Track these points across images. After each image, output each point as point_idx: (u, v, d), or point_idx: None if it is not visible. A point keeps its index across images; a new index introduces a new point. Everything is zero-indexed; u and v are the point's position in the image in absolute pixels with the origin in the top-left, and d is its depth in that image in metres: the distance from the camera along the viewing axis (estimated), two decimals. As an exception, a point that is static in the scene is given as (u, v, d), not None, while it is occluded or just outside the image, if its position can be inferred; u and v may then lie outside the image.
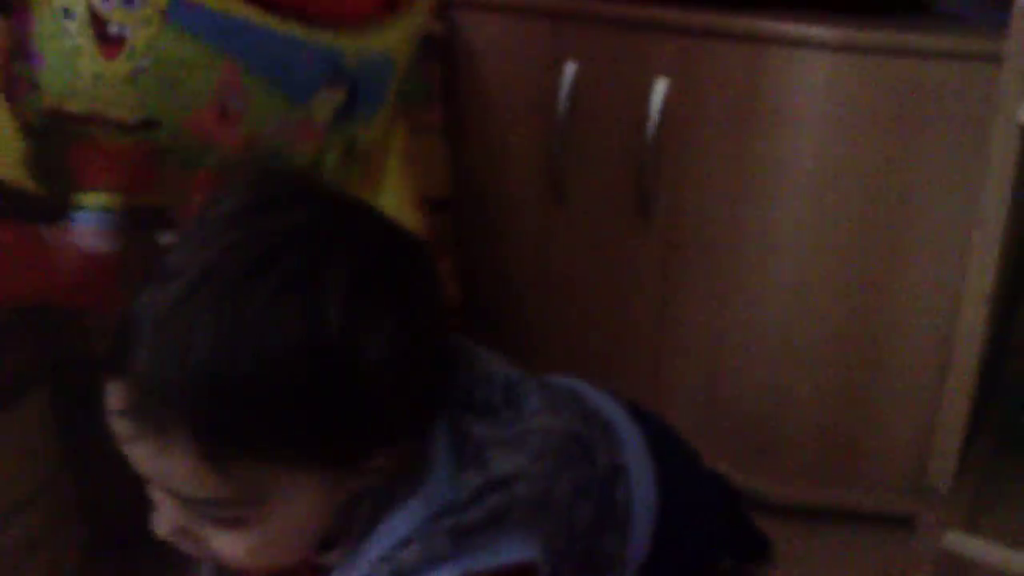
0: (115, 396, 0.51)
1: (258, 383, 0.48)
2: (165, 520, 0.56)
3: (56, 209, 0.76)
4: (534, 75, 1.18)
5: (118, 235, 0.76)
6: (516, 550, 0.58)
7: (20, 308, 0.85)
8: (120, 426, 0.51)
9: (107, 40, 0.72)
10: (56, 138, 0.75)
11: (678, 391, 1.19)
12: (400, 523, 0.57)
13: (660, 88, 1.09)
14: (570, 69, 1.15)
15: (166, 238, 0.76)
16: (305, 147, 0.83)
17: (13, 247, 0.73)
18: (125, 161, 0.76)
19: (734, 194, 1.10)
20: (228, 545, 0.55)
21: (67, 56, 0.73)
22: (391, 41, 0.86)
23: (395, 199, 0.97)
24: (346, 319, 0.50)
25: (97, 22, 0.72)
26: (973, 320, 0.93)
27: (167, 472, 0.51)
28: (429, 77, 1.22)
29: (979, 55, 0.96)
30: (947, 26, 1.08)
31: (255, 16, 0.74)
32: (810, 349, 1.10)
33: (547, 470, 0.60)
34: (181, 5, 0.72)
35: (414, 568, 0.56)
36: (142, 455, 0.52)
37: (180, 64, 0.73)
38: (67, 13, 0.72)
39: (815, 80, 1.02)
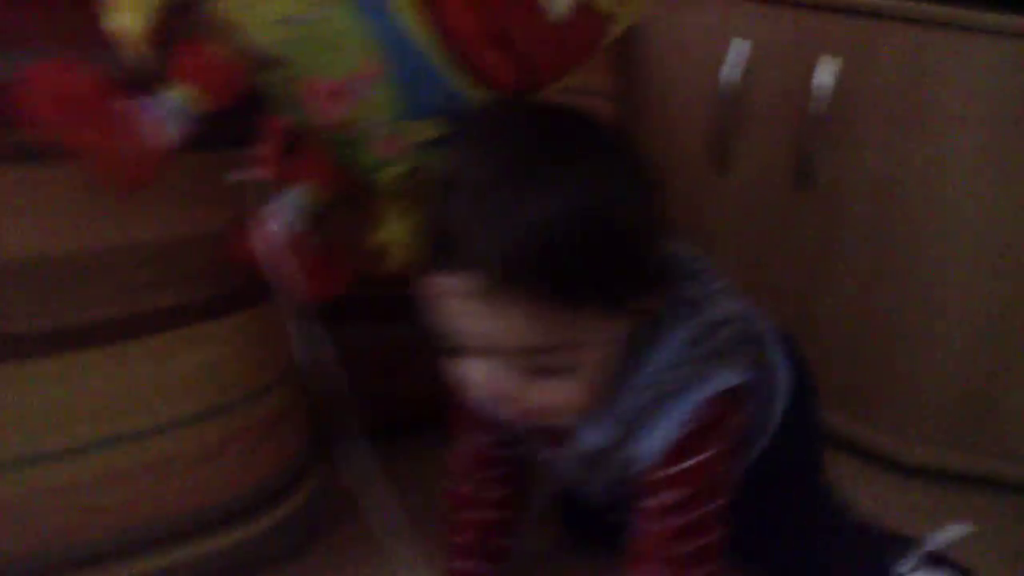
0: (453, 283, 0.64)
1: (578, 241, 0.61)
2: (488, 388, 0.68)
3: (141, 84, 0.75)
4: (704, 51, 1.26)
5: (177, 135, 0.75)
6: (742, 374, 0.74)
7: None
8: (461, 305, 0.64)
9: None
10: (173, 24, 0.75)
11: (826, 352, 1.25)
12: (659, 355, 0.71)
13: (828, 67, 1.16)
14: (741, 46, 1.23)
15: (233, 176, 0.82)
16: (379, 154, 0.81)
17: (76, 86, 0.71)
18: (224, 71, 0.76)
19: (895, 176, 1.16)
20: (553, 392, 0.67)
21: None
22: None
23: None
24: (624, 192, 0.65)
25: None
26: None
27: (512, 331, 0.63)
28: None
29: None
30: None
31: (426, 39, 0.75)
32: (959, 323, 1.17)
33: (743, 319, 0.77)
34: None
35: (674, 391, 0.71)
36: (487, 324, 0.64)
37: (338, 36, 0.74)
38: None
39: (982, 66, 1.09)
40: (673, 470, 0.72)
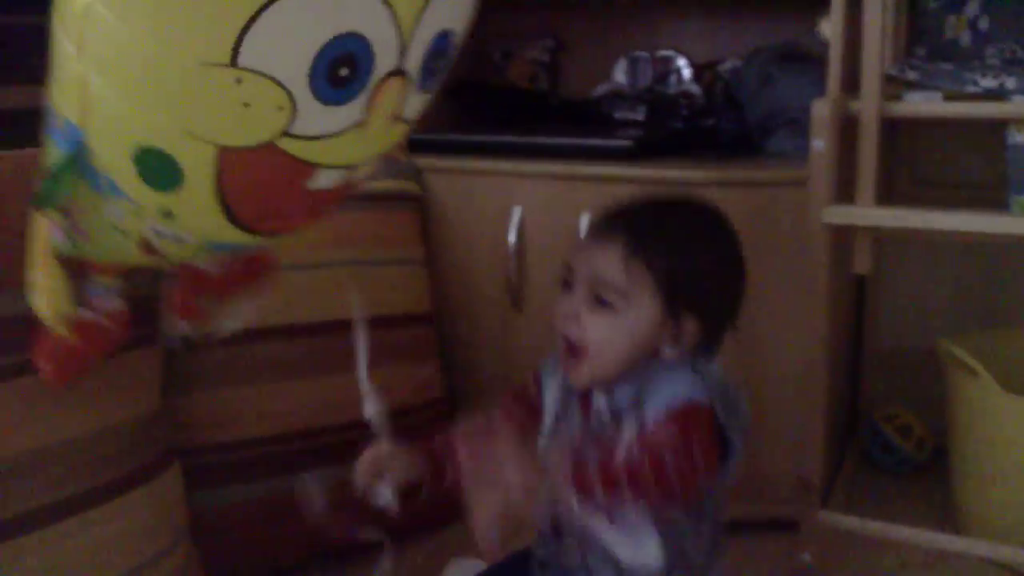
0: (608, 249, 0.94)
1: (674, 251, 0.96)
2: (569, 306, 0.96)
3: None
4: (490, 217, 1.60)
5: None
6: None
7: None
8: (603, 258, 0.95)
9: (148, 249, 0.87)
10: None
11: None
12: (674, 375, 0.95)
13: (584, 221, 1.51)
14: (517, 211, 1.57)
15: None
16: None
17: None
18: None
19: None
20: (595, 324, 0.95)
21: (113, 245, 0.88)
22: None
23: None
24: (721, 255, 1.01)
25: (145, 244, 0.86)
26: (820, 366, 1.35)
27: (603, 266, 0.94)
28: (410, 224, 1.62)
29: (799, 181, 1.40)
30: (776, 161, 1.54)
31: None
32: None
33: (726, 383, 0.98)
34: (216, 244, 0.88)
35: (669, 392, 0.94)
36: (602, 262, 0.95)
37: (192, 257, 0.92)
38: (118, 230, 0.85)
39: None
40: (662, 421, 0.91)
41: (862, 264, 1.33)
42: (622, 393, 0.97)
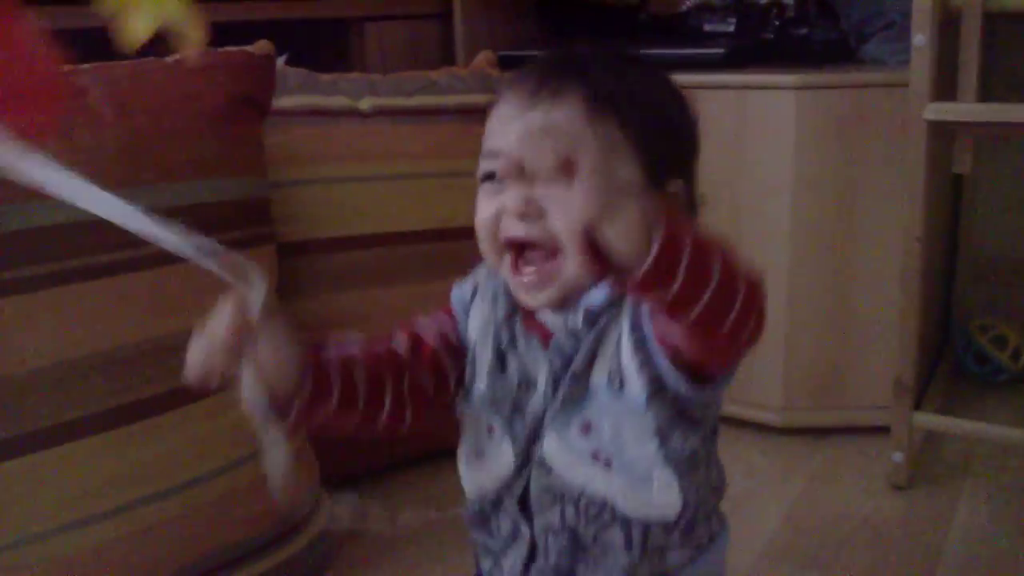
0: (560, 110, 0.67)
1: (645, 101, 0.70)
2: (514, 199, 0.67)
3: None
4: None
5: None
6: None
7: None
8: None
9: None
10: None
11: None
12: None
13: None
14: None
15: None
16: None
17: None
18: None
19: (724, 194, 1.52)
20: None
21: None
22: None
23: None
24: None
25: None
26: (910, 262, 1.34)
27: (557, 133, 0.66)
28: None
29: (896, 83, 1.39)
30: (871, 67, 1.52)
31: None
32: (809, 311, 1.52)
33: None
34: None
35: None
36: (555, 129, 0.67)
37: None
38: None
39: (785, 111, 1.46)
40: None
41: (962, 164, 1.31)
42: (596, 293, 0.70)
